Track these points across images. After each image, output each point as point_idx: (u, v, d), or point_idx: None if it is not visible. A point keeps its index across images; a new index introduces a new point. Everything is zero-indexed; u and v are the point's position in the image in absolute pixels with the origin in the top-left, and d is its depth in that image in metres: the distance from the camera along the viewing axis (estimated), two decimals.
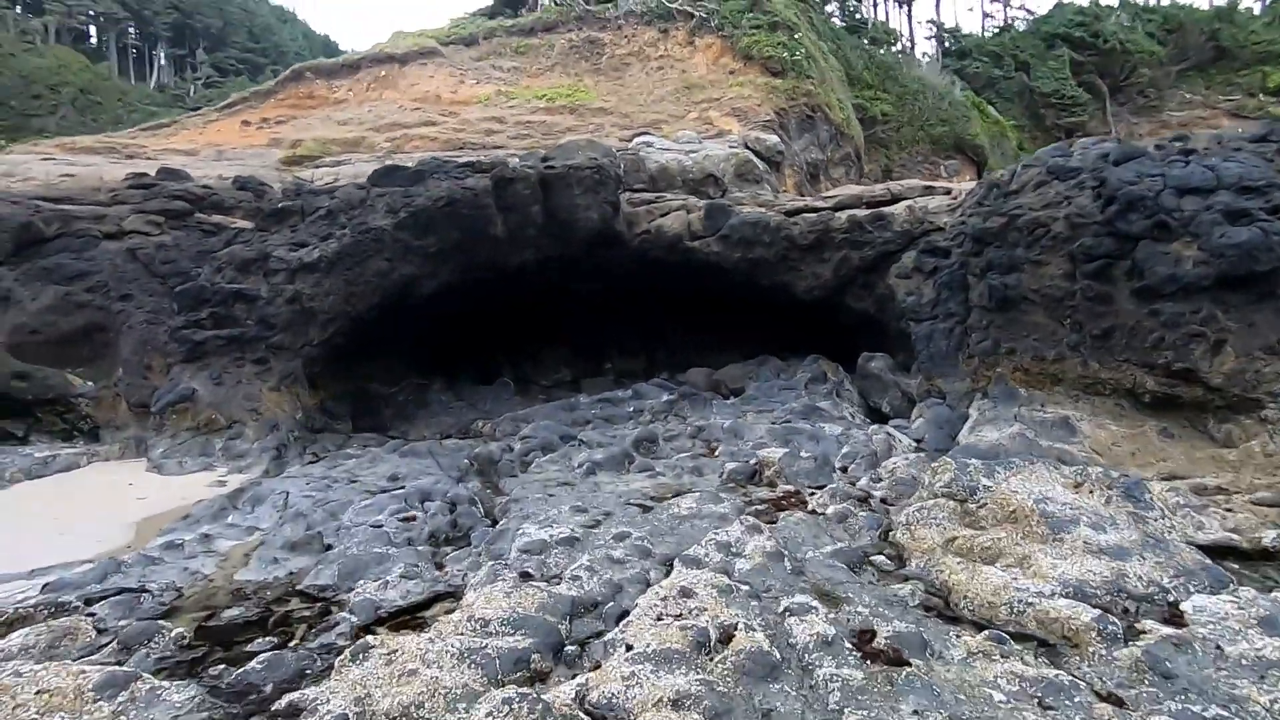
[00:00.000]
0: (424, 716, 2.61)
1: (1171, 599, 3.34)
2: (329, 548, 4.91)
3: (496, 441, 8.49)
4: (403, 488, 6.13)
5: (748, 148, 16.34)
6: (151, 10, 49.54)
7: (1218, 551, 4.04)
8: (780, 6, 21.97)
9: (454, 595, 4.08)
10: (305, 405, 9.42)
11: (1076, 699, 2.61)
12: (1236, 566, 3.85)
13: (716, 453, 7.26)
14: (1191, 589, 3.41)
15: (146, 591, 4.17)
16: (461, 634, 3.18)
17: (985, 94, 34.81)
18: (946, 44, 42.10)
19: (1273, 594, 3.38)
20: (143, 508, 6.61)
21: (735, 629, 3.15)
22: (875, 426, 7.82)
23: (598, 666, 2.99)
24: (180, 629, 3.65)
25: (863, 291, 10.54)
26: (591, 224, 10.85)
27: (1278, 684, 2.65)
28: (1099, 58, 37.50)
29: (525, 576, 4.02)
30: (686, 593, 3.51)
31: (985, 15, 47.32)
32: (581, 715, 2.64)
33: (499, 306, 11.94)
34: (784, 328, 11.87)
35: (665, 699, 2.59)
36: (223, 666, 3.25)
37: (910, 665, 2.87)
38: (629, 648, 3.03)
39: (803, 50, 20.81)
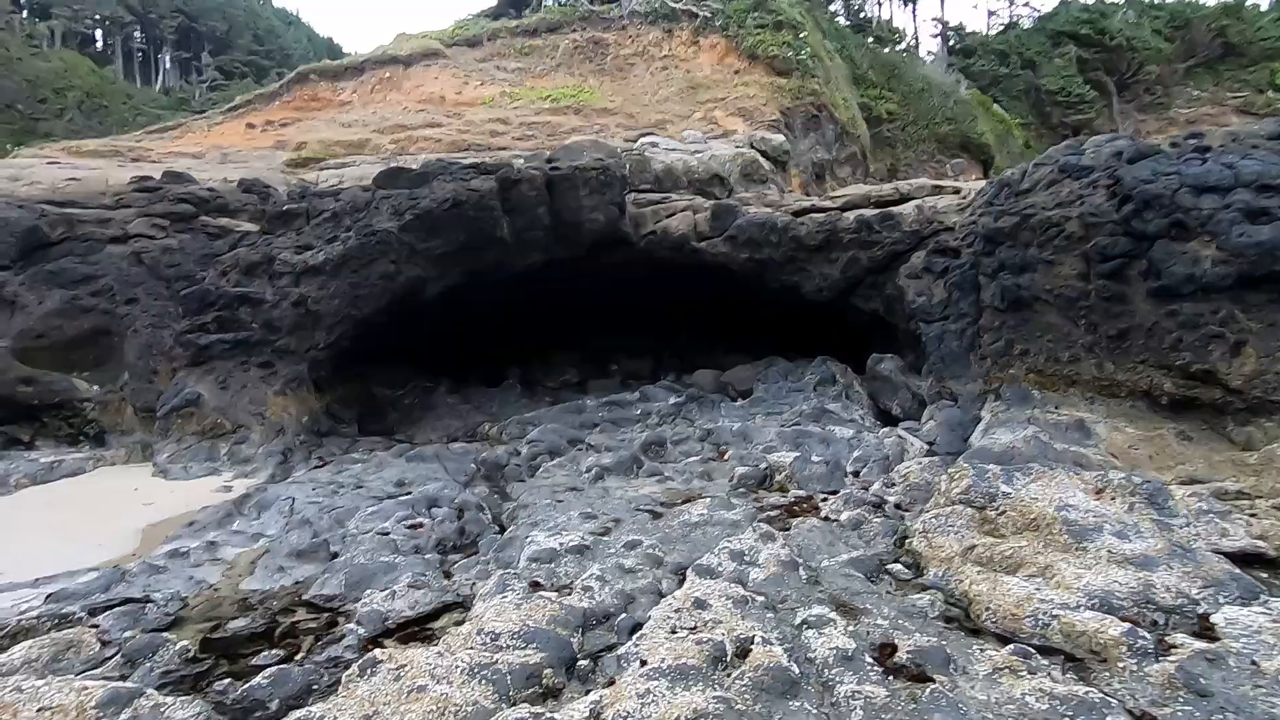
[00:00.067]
0: None
1: (1201, 610, 3.24)
2: (335, 556, 4.85)
3: (503, 445, 8.43)
4: (409, 493, 6.07)
5: (753, 147, 16.28)
6: (157, 14, 49.75)
7: (1244, 559, 3.93)
8: (785, 5, 21.88)
9: (462, 605, 4.02)
10: (311, 409, 9.37)
11: (1109, 718, 2.52)
12: (1265, 575, 3.74)
13: (726, 456, 7.17)
14: (1221, 600, 3.31)
15: (151, 602, 4.12)
16: (471, 648, 3.11)
17: (991, 92, 34.64)
18: (952, 42, 41.92)
19: None
20: (148, 514, 6.56)
21: (752, 642, 3.07)
22: (886, 429, 7.72)
23: (612, 683, 2.91)
24: (185, 641, 3.58)
25: (871, 292, 10.43)
26: (597, 225, 10.78)
27: None
28: (1105, 55, 37.29)
29: (535, 586, 3.95)
30: (701, 604, 3.43)
31: (990, 13, 47.12)
32: None
33: (505, 308, 11.88)
34: (791, 329, 11.77)
35: (683, 717, 2.51)
36: (228, 681, 3.19)
37: (934, 682, 2.78)
38: (643, 662, 2.95)
39: (808, 49, 20.71)
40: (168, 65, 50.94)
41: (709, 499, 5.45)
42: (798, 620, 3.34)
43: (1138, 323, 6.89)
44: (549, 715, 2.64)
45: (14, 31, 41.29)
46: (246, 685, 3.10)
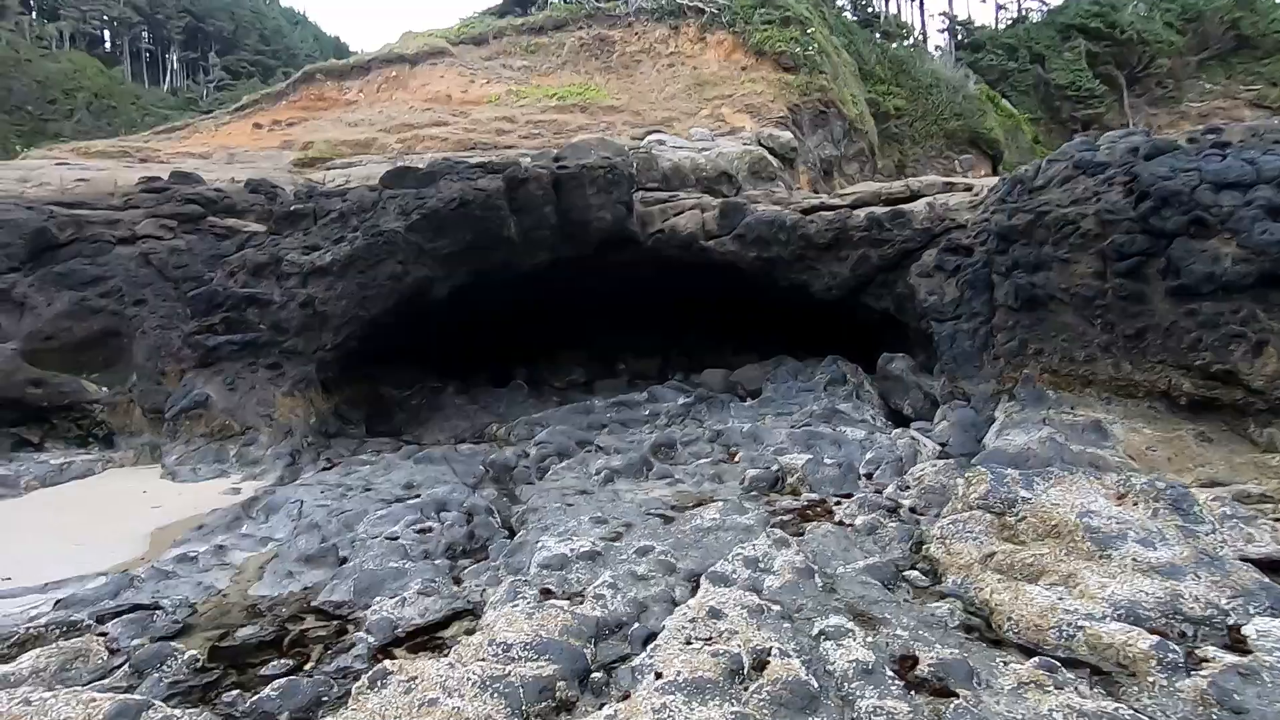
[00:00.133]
0: None
1: (1231, 622, 3.15)
2: (344, 561, 4.81)
3: (511, 446, 8.38)
4: (418, 496, 6.02)
5: (761, 144, 16.15)
6: (164, 14, 49.90)
7: (1272, 566, 3.83)
8: (792, 1, 21.71)
9: (473, 613, 3.96)
10: (319, 410, 9.35)
11: None
12: None
13: (736, 458, 7.10)
14: (1251, 610, 3.22)
15: (159, 609, 4.08)
16: (483, 659, 3.05)
17: (999, 87, 34.33)
18: (960, 37, 41.57)
19: None
20: (157, 516, 6.55)
21: (769, 654, 3.00)
22: (899, 430, 7.62)
23: (626, 696, 2.85)
24: (193, 651, 3.54)
25: (882, 290, 10.32)
26: (605, 224, 10.71)
27: None
28: (1115, 48, 36.87)
29: (546, 594, 3.89)
30: (715, 614, 3.37)
31: (999, 7, 46.66)
32: None
33: (512, 308, 11.83)
34: (800, 327, 11.67)
35: None
36: (236, 693, 3.14)
37: (957, 696, 2.71)
38: (658, 675, 2.89)
39: (815, 45, 20.55)
40: (175, 65, 51.10)
41: (721, 502, 5.38)
42: (815, 631, 3.28)
43: (1156, 322, 6.77)
44: None
45: (23, 33, 41.50)
46: (255, 697, 3.05)
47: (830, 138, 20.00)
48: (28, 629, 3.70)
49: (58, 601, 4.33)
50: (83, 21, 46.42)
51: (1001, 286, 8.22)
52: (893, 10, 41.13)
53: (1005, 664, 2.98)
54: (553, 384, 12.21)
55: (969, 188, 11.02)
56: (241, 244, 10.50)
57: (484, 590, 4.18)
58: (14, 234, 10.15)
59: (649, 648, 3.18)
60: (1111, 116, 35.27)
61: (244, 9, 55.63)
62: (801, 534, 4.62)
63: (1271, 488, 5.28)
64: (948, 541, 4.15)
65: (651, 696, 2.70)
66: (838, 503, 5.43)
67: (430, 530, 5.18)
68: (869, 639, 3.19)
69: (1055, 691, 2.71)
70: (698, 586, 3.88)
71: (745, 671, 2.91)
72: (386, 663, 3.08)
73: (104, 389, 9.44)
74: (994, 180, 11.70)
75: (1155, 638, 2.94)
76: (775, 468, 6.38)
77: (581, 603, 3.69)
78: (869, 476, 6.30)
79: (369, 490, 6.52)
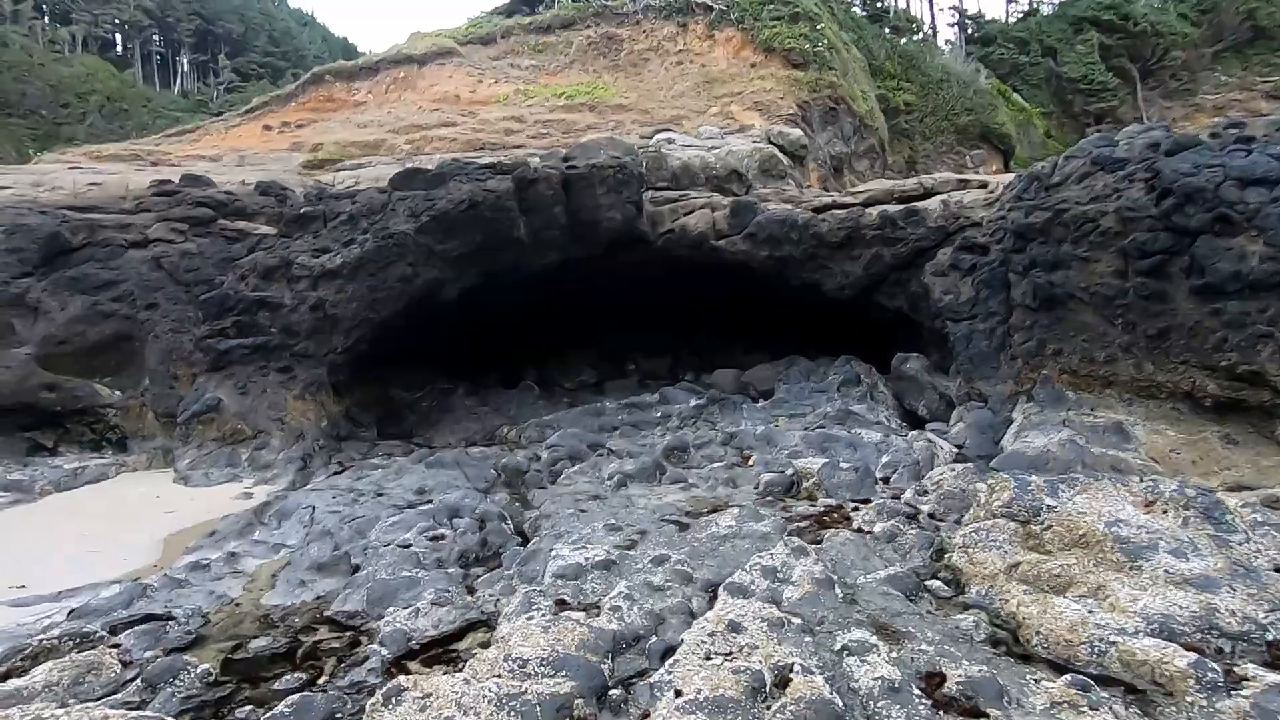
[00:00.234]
0: None
1: (1270, 637, 3.05)
2: (357, 569, 4.77)
3: (523, 450, 8.34)
4: (430, 502, 5.98)
5: (771, 142, 16.02)
6: (174, 17, 50.23)
7: None
8: None
9: (487, 624, 3.91)
10: (330, 413, 9.34)
11: None
12: None
13: (750, 462, 7.02)
14: None
15: (172, 619, 4.05)
16: (499, 675, 3.00)
17: (1011, 81, 33.99)
18: (970, 31, 41.17)
19: None
20: (170, 522, 6.55)
21: (791, 671, 2.93)
22: (915, 433, 7.52)
23: (645, 715, 2.79)
24: (206, 664, 3.51)
25: (895, 290, 10.20)
26: (615, 224, 10.64)
27: None
28: (1129, 41, 36.40)
29: (561, 605, 3.83)
30: (735, 627, 3.29)
31: (1009, 0, 46.22)
32: None
33: (521, 309, 11.78)
34: (812, 327, 11.56)
35: None
36: (249, 708, 3.10)
37: (987, 717, 2.62)
38: (678, 693, 2.82)
39: (825, 41, 20.38)
40: (185, 68, 51.44)
41: (736, 508, 5.31)
42: (838, 645, 3.20)
43: (1179, 321, 6.63)
44: None
45: (36, 37, 41.87)
46: (269, 714, 3.01)
47: (840, 134, 19.84)
48: (41, 641, 3.67)
49: (71, 611, 4.32)
50: (95, 25, 46.79)
51: (1019, 286, 8.09)
52: (902, 5, 40.80)
53: (1036, 681, 2.90)
54: (563, 385, 12.15)
55: (983, 185, 10.87)
56: (252, 247, 10.50)
57: (498, 600, 4.13)
58: (28, 239, 10.19)
59: (667, 663, 3.11)
60: (1125, 110, 34.85)
61: (253, 11, 55.92)
62: (819, 542, 4.54)
63: None
64: (970, 551, 4.06)
65: (672, 716, 2.64)
66: (855, 508, 5.35)
67: (443, 537, 5.13)
68: (893, 654, 3.11)
69: (1090, 712, 2.63)
70: (715, 597, 3.82)
71: (767, 689, 2.84)
72: (401, 678, 3.02)
73: (117, 393, 9.47)
74: (1008, 177, 11.54)
75: (1193, 655, 2.84)
76: (790, 472, 6.30)
77: (597, 615, 3.62)
78: (886, 481, 6.21)
79: (381, 495, 6.48)
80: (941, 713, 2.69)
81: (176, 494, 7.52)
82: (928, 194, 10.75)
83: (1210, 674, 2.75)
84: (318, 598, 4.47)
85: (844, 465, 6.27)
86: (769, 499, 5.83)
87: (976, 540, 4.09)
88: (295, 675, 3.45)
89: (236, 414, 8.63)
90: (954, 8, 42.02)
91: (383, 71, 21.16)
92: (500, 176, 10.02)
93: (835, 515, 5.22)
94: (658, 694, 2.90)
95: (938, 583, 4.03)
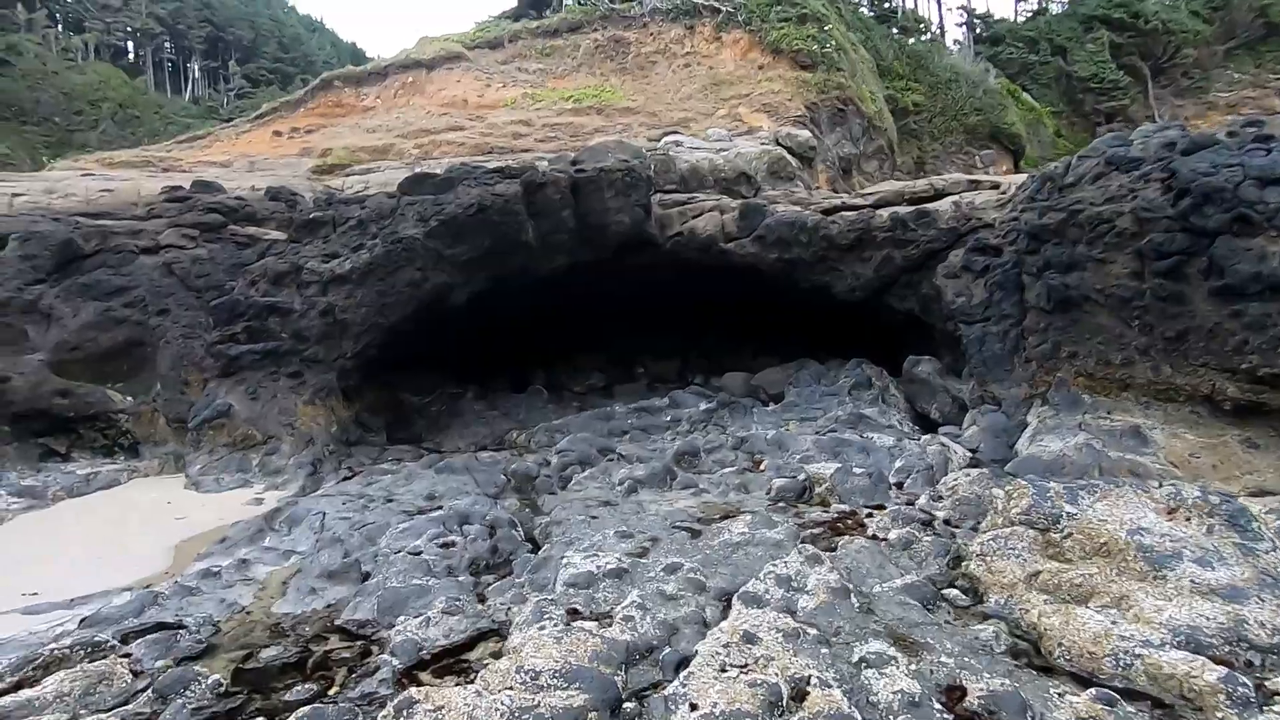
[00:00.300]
0: None
1: None
2: (367, 576, 4.75)
3: (532, 454, 8.31)
4: (440, 508, 5.96)
5: (779, 144, 15.97)
6: (185, 24, 50.70)
7: None
8: None
9: (498, 633, 3.88)
10: (340, 418, 9.35)
11: None
12: None
13: (762, 467, 6.96)
14: None
15: (183, 627, 4.04)
16: (511, 687, 2.96)
17: (1020, 80, 33.78)
18: (978, 30, 40.96)
19: None
20: (181, 528, 6.56)
21: (808, 684, 2.87)
22: (928, 437, 7.44)
23: None
24: (217, 674, 3.49)
25: (906, 292, 10.12)
26: (623, 228, 10.62)
27: None
28: (1140, 39, 36.12)
29: (573, 614, 3.79)
30: (750, 638, 3.24)
31: (1018, 0, 45.97)
32: None
33: (530, 313, 11.77)
34: (822, 329, 11.49)
35: None
36: None
37: None
38: (694, 706, 2.77)
39: (833, 42, 20.32)
40: (196, 75, 51.89)
41: (748, 515, 5.25)
42: (855, 657, 3.14)
43: (1197, 324, 6.53)
44: None
45: (50, 46, 42.37)
46: None
47: (849, 136, 19.76)
48: (52, 650, 3.67)
49: (83, 619, 4.32)
50: (107, 33, 47.31)
51: (1032, 287, 8.00)
52: (910, 5, 40.64)
53: (1060, 695, 2.83)
54: (572, 388, 12.13)
55: (995, 186, 10.78)
56: (262, 252, 10.54)
57: (509, 609, 4.09)
58: (41, 246, 10.26)
59: (682, 675, 3.06)
60: (1136, 108, 34.58)
61: (263, 18, 56.38)
62: (834, 549, 4.48)
63: None
64: (988, 559, 3.99)
65: None
66: (869, 515, 5.28)
67: (453, 544, 5.10)
68: (913, 666, 3.05)
69: None
70: (729, 606, 3.76)
71: (784, 703, 2.78)
72: (413, 690, 2.99)
73: (129, 399, 9.51)
74: (1020, 177, 11.44)
75: (1222, 669, 2.77)
76: (802, 477, 6.24)
77: (610, 624, 3.58)
78: (899, 486, 6.14)
79: (391, 501, 6.47)
80: None
81: (187, 500, 7.54)
82: (939, 195, 10.67)
83: (1241, 688, 2.68)
84: (328, 606, 4.45)
85: (857, 470, 6.20)
86: (781, 505, 5.78)
87: (995, 548, 4.02)
88: (306, 686, 3.42)
89: (247, 419, 8.65)
90: (962, 7, 41.83)
91: (391, 76, 21.25)
92: (508, 180, 10.01)
93: (849, 522, 5.16)
94: (672, 707, 2.85)
95: (955, 591, 3.96)
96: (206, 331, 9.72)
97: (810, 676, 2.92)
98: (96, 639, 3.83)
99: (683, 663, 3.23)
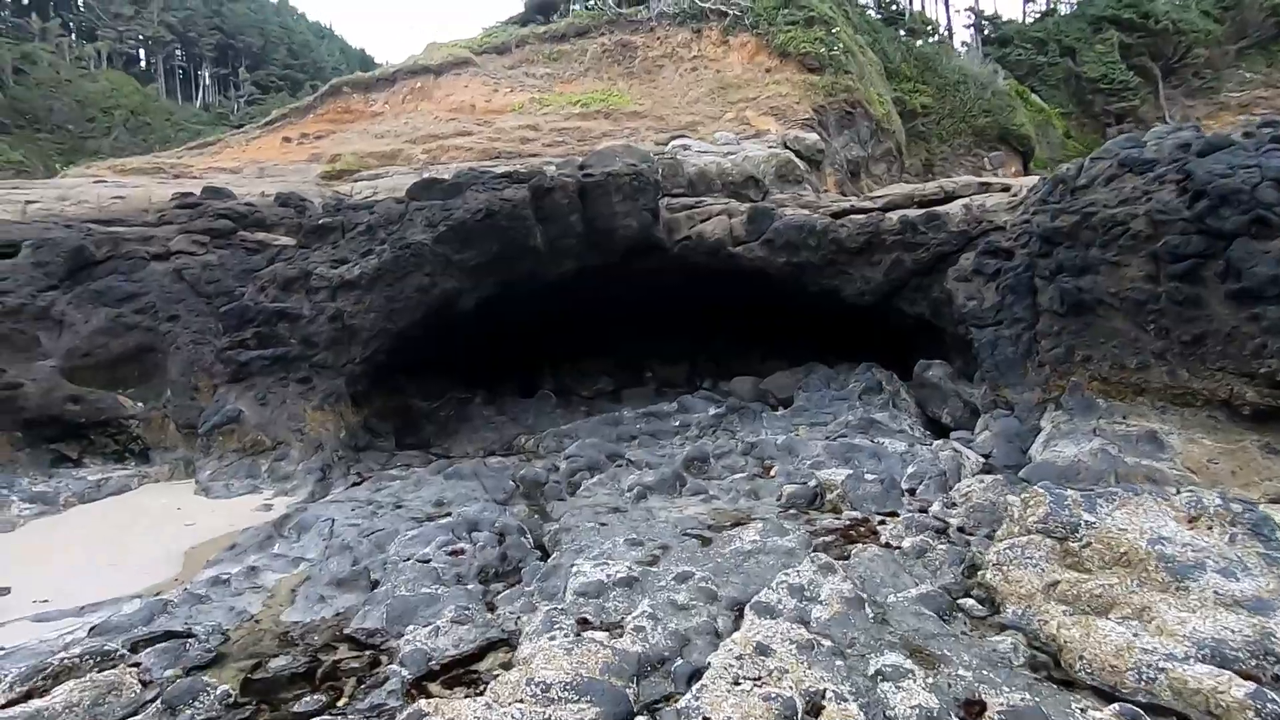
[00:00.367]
0: None
1: None
2: (376, 584, 4.73)
3: (541, 460, 8.28)
4: (449, 515, 5.93)
5: (787, 147, 15.92)
6: (196, 32, 51.18)
7: None
8: (815, 1, 21.44)
9: (508, 643, 3.84)
10: (349, 423, 9.36)
11: None
12: None
13: (772, 472, 6.91)
14: None
15: (193, 636, 4.03)
16: (521, 700, 2.92)
17: (1029, 81, 33.59)
18: (986, 32, 40.78)
19: None
20: (191, 535, 6.57)
21: (823, 698, 2.82)
22: (940, 442, 7.36)
23: None
24: (226, 685, 3.47)
25: (916, 295, 10.04)
26: (631, 232, 10.59)
27: None
28: (1149, 39, 35.85)
29: (583, 624, 3.75)
30: (763, 649, 3.19)
31: (1026, 0, 45.75)
32: None
33: (538, 317, 11.76)
34: (831, 333, 11.42)
35: None
36: None
37: None
38: None
39: (840, 45, 20.26)
40: (207, 82, 52.37)
41: (759, 522, 5.20)
42: (871, 670, 3.09)
43: (1215, 327, 6.44)
44: None
45: (63, 54, 42.86)
46: None
47: (857, 138, 19.68)
48: (62, 660, 3.66)
49: (93, 628, 4.31)
50: (119, 41, 47.82)
51: (1045, 291, 7.92)
52: (917, 7, 40.51)
53: (1082, 711, 2.77)
54: (580, 393, 12.10)
55: (1006, 188, 10.69)
56: (272, 258, 10.58)
57: (518, 618, 4.06)
58: (53, 252, 10.34)
59: (694, 687, 3.02)
60: (1146, 109, 34.30)
61: (272, 25, 56.85)
62: (847, 557, 4.42)
63: None
64: (1005, 568, 3.92)
65: None
66: (882, 522, 5.22)
67: (462, 552, 5.08)
68: (930, 679, 2.99)
69: None
70: (741, 616, 3.71)
71: (799, 717, 2.73)
72: (422, 702, 2.96)
73: (139, 404, 9.55)
74: (1031, 179, 11.35)
75: (1250, 684, 2.70)
76: (813, 483, 6.18)
77: (621, 635, 3.54)
78: (912, 492, 6.07)
79: (399, 508, 6.45)
80: None
81: (197, 505, 7.55)
82: (949, 198, 10.60)
83: (1271, 705, 2.61)
84: (337, 614, 4.42)
85: (868, 476, 6.14)
86: (792, 512, 5.72)
87: (1011, 557, 3.96)
88: (315, 697, 3.40)
89: (256, 425, 8.67)
90: (970, 9, 41.68)
91: (400, 82, 21.34)
92: (516, 185, 10.01)
93: (862, 529, 5.10)
94: None
95: (971, 601, 3.90)
96: (216, 337, 9.76)
97: (825, 690, 2.87)
98: (106, 648, 3.82)
99: (695, 675, 3.18)
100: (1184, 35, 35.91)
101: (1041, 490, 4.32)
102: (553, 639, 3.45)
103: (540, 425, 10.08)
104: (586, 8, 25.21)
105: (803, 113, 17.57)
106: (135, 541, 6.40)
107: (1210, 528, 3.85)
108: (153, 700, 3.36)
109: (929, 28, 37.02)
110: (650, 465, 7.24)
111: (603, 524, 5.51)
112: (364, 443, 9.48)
